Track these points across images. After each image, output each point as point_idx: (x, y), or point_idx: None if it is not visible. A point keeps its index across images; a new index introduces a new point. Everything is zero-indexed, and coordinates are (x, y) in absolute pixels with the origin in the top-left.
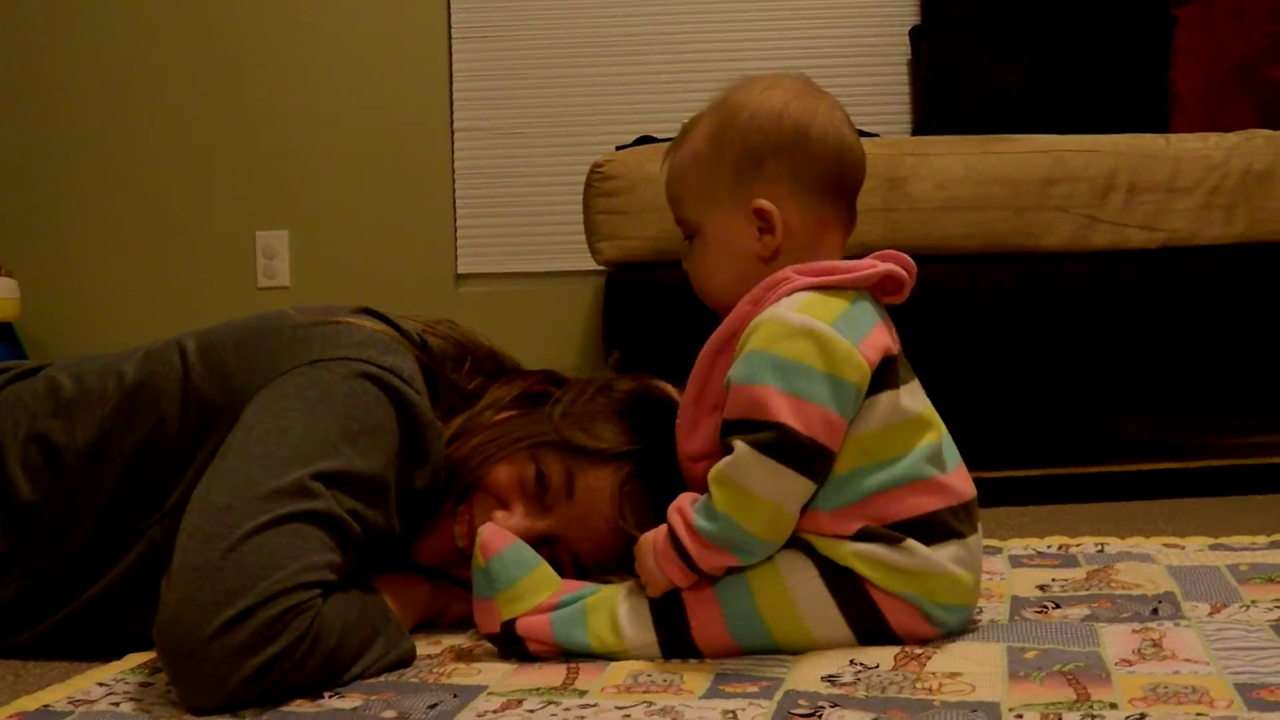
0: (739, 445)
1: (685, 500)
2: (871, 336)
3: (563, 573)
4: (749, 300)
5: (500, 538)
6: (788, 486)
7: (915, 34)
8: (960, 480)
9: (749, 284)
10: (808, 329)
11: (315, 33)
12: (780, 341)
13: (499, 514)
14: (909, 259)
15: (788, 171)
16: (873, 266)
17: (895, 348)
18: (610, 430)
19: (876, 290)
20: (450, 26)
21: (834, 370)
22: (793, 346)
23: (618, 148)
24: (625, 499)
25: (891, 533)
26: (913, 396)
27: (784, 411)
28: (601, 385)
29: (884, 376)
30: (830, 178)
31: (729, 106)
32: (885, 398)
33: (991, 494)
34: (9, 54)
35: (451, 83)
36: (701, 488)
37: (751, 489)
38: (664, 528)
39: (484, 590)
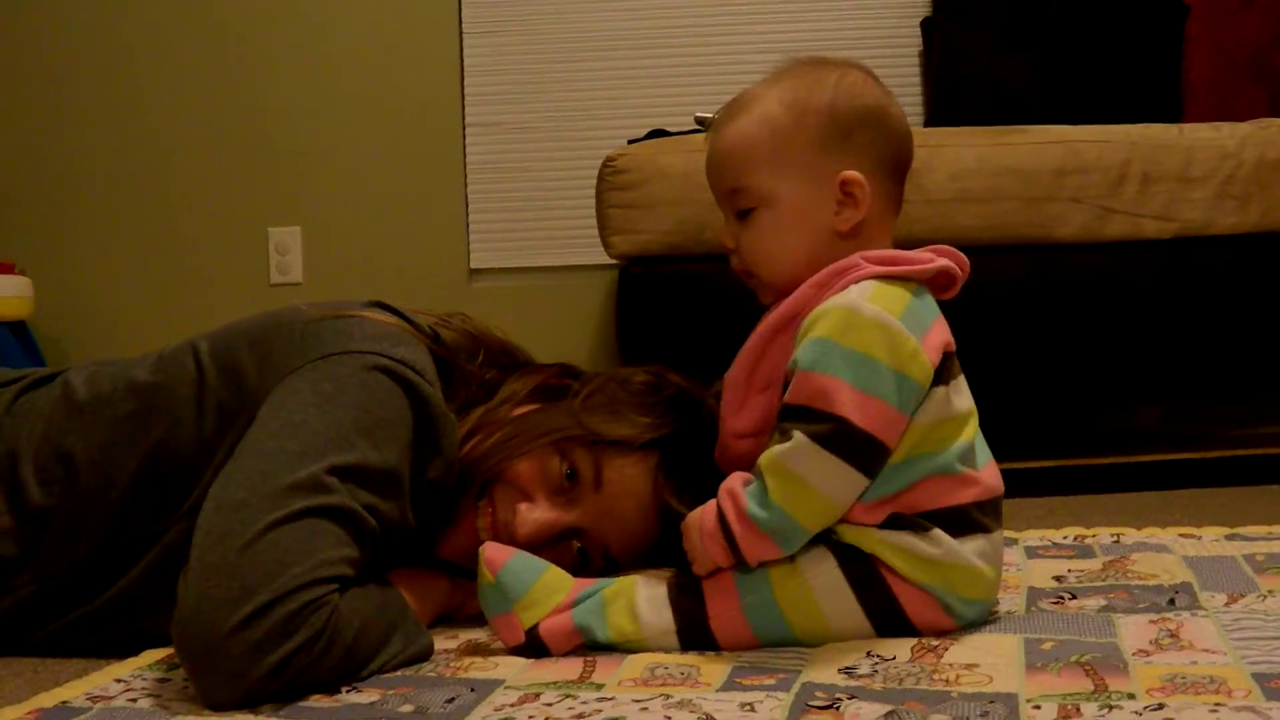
0: (797, 435)
1: (737, 482)
2: (933, 332)
3: (593, 567)
4: (814, 284)
5: (502, 551)
6: (841, 480)
7: (927, 25)
8: (990, 476)
9: (819, 260)
10: (880, 322)
11: (326, 29)
12: (851, 332)
13: (523, 506)
14: (963, 256)
15: (871, 146)
16: (931, 260)
17: (952, 343)
18: (634, 420)
19: (929, 284)
20: (461, 22)
21: (901, 367)
22: (864, 338)
23: (630, 141)
24: (662, 486)
25: (920, 521)
26: (959, 393)
27: (847, 405)
28: (619, 377)
29: (941, 371)
30: (903, 158)
31: (807, 77)
32: (939, 392)
33: (1006, 485)
34: (20, 52)
35: (463, 78)
36: (744, 464)
37: (807, 480)
38: (712, 506)
39: (499, 605)
